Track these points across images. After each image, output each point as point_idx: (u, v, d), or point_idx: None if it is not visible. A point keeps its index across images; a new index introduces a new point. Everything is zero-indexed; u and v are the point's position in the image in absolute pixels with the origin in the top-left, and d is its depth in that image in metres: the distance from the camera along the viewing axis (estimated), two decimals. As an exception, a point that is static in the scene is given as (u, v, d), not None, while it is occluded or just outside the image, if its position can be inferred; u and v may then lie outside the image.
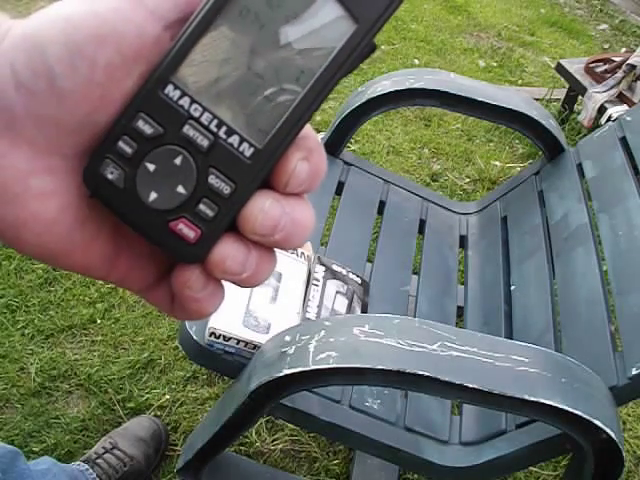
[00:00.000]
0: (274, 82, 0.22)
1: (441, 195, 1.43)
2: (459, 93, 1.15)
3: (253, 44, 0.22)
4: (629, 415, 1.40)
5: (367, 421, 0.83)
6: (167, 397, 1.26)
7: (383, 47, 2.68)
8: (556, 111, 2.35)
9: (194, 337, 0.83)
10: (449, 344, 0.70)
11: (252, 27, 0.22)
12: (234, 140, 0.22)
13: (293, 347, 0.71)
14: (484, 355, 0.70)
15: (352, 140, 2.03)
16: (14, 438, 1.16)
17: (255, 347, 0.81)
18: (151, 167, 0.22)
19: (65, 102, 0.21)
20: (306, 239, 0.24)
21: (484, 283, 1.11)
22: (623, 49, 2.85)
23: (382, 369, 0.67)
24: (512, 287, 1.05)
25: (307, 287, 0.94)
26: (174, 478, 1.14)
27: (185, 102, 0.22)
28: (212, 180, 0.23)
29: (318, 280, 0.96)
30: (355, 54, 0.22)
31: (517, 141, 2.25)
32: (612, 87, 2.12)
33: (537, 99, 2.33)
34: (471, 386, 0.67)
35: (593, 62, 2.25)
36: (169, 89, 0.22)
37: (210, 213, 0.23)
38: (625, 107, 2.05)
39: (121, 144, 0.22)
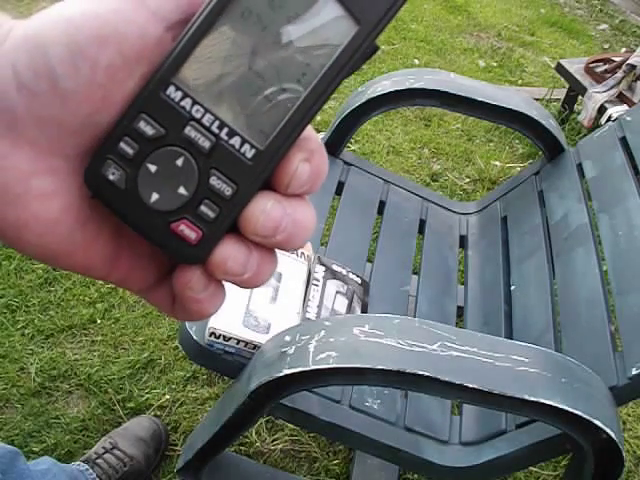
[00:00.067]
0: (276, 83, 0.22)
1: (441, 195, 1.43)
2: (459, 93, 1.15)
3: (255, 45, 0.22)
4: (629, 415, 1.40)
5: (367, 421, 0.83)
6: (167, 397, 1.26)
7: (383, 47, 2.68)
8: (556, 111, 2.35)
9: (194, 337, 0.83)
10: (449, 344, 0.70)
11: (254, 28, 0.22)
12: (236, 141, 0.22)
13: (293, 347, 0.71)
14: (484, 355, 0.70)
15: (352, 140, 2.03)
16: (14, 438, 1.16)
17: (255, 347, 0.81)
18: (152, 168, 0.22)
19: (67, 103, 0.21)
20: (307, 240, 0.24)
21: (484, 283, 1.11)
22: (623, 49, 2.85)
23: (382, 369, 0.67)
24: (512, 287, 1.05)
25: (307, 287, 0.94)
26: (174, 478, 1.14)
27: (187, 103, 0.22)
28: (213, 181, 0.23)
29: (318, 280, 0.96)
30: (357, 55, 0.22)
31: (517, 141, 2.25)
32: (612, 87, 2.12)
33: (537, 99, 2.33)
34: (471, 386, 0.67)
35: (593, 62, 2.25)
36: (171, 90, 0.22)
37: (211, 214, 0.23)
38: (625, 107, 2.05)
39: (122, 145, 0.22)
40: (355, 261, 1.07)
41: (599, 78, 2.18)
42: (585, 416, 0.66)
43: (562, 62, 2.34)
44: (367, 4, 0.22)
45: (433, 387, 0.69)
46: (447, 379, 0.67)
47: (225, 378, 1.28)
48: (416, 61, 2.68)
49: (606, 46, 3.23)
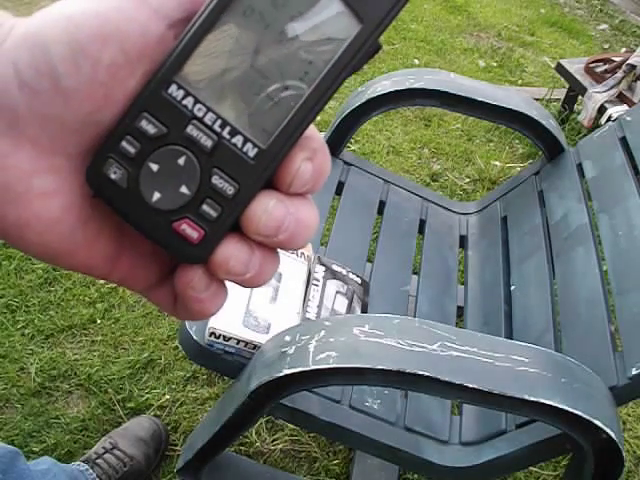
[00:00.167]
0: (278, 82, 0.22)
1: (441, 195, 1.43)
2: (459, 93, 1.15)
3: (257, 43, 0.22)
4: (629, 415, 1.40)
5: (367, 421, 0.83)
6: (167, 397, 1.26)
7: (383, 47, 2.68)
8: (556, 111, 2.35)
9: (194, 337, 0.83)
10: (449, 344, 0.70)
11: (256, 26, 0.22)
12: (238, 140, 0.22)
13: (293, 347, 0.71)
14: (484, 355, 0.70)
15: (352, 140, 2.03)
16: (14, 438, 1.16)
17: (255, 347, 0.81)
18: (154, 167, 0.22)
19: (68, 101, 0.21)
20: (310, 239, 0.24)
21: (484, 283, 1.11)
22: (623, 49, 2.85)
23: (382, 369, 0.67)
24: (512, 287, 1.05)
25: (307, 287, 0.94)
26: (174, 478, 1.14)
27: (189, 102, 0.22)
28: (216, 180, 0.22)
29: (318, 280, 0.96)
30: (360, 54, 0.22)
31: (517, 141, 2.25)
32: (612, 87, 2.12)
33: (537, 99, 2.33)
34: (471, 386, 0.67)
35: (593, 62, 2.25)
36: (173, 89, 0.22)
37: (213, 213, 0.23)
38: (625, 107, 2.05)
39: (124, 144, 0.22)
40: (355, 261, 1.06)
41: (599, 78, 2.18)
42: (585, 416, 0.66)
43: (562, 62, 2.34)
44: (370, 2, 0.22)
45: (433, 387, 0.69)
46: (447, 379, 0.67)
47: (225, 378, 1.28)
48: (416, 61, 2.68)
49: (606, 46, 3.23)
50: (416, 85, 1.14)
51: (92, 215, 0.23)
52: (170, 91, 0.22)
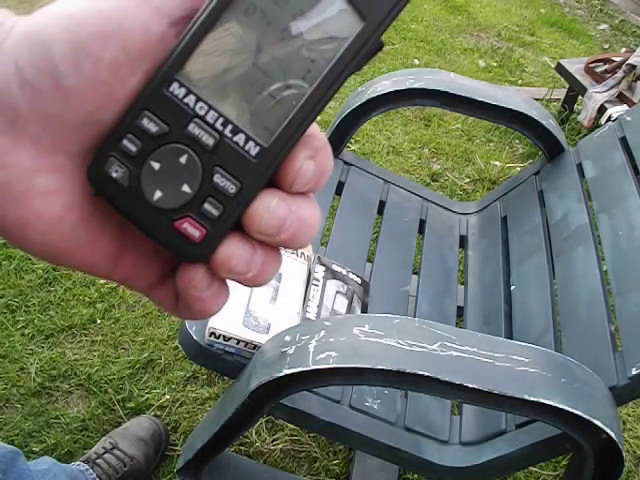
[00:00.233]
0: (281, 80, 0.22)
1: (441, 195, 1.43)
2: (459, 93, 1.15)
3: (259, 41, 0.22)
4: (629, 415, 1.40)
5: (367, 421, 0.83)
6: (167, 397, 1.26)
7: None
8: (556, 111, 2.35)
9: (194, 337, 0.83)
10: (449, 344, 0.70)
11: (258, 24, 0.22)
12: (240, 139, 0.22)
13: (293, 347, 0.71)
14: (484, 355, 0.70)
15: (352, 140, 2.03)
16: (14, 438, 1.16)
17: (255, 347, 0.81)
18: (156, 166, 0.22)
19: (70, 100, 0.21)
20: (312, 238, 0.23)
21: (484, 283, 1.11)
22: (623, 49, 2.85)
23: (382, 369, 0.67)
24: (512, 287, 1.05)
25: (307, 287, 0.94)
26: (174, 478, 1.14)
27: (190, 100, 0.22)
28: (217, 179, 0.22)
29: (318, 280, 0.96)
30: (362, 52, 0.22)
31: (517, 141, 2.25)
32: (612, 87, 2.12)
33: (537, 99, 2.33)
34: (471, 386, 0.67)
35: (593, 62, 2.25)
36: (174, 87, 0.22)
37: (215, 212, 0.23)
38: (625, 107, 2.05)
39: (126, 142, 0.22)
40: (355, 261, 1.06)
41: (599, 78, 2.18)
42: (585, 416, 0.66)
43: (562, 62, 2.34)
44: (372, 0, 0.22)
45: (433, 387, 0.69)
46: (447, 379, 0.67)
47: (225, 378, 1.28)
48: (416, 61, 2.68)
49: (606, 46, 3.23)
50: (416, 85, 1.14)
51: (94, 214, 0.23)
52: (172, 89, 0.22)
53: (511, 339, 0.95)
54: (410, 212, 1.23)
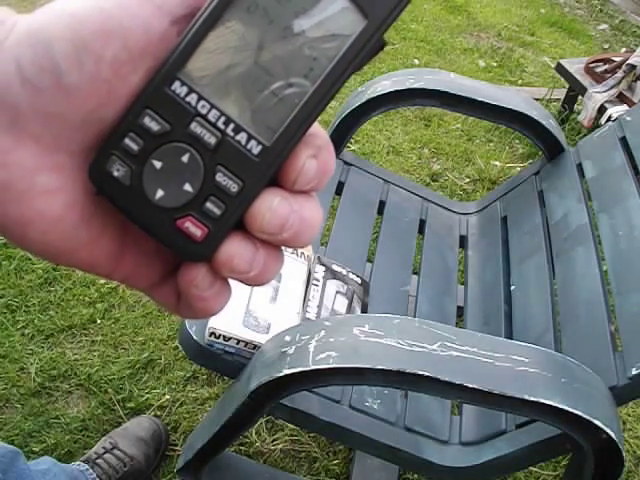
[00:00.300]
0: (283, 78, 0.22)
1: (441, 195, 1.43)
2: (459, 93, 1.15)
3: (261, 40, 0.22)
4: (629, 415, 1.40)
5: (367, 421, 0.83)
6: (167, 397, 1.26)
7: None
8: (556, 111, 2.35)
9: (194, 337, 0.83)
10: (449, 344, 0.70)
11: (260, 23, 0.21)
12: (242, 137, 0.22)
13: (293, 347, 0.71)
14: (484, 355, 0.70)
15: (352, 140, 2.03)
16: (14, 438, 1.16)
17: (255, 347, 0.81)
18: (158, 164, 0.22)
19: (71, 98, 0.21)
20: (314, 237, 0.23)
21: (484, 283, 1.11)
22: (623, 49, 2.85)
23: (382, 369, 0.67)
24: (512, 287, 1.05)
25: (307, 287, 0.94)
26: (174, 478, 1.14)
27: (192, 99, 0.22)
28: (219, 178, 0.22)
29: (318, 280, 0.96)
30: (365, 51, 0.22)
31: (517, 141, 2.25)
32: (612, 87, 2.12)
33: (537, 99, 2.33)
34: (471, 386, 0.67)
35: (593, 62, 2.25)
36: (176, 85, 0.22)
37: (217, 211, 0.22)
38: (625, 107, 2.05)
39: (127, 141, 0.22)
40: (355, 261, 1.06)
41: (599, 78, 2.18)
42: (585, 416, 0.66)
43: (562, 62, 2.34)
44: None
45: (433, 387, 0.69)
46: (447, 379, 0.67)
47: (225, 378, 1.28)
48: (416, 61, 2.68)
49: (606, 46, 3.23)
50: (416, 85, 1.14)
51: (95, 213, 0.23)
52: (173, 88, 0.22)
53: (511, 339, 0.95)
54: (410, 212, 1.23)
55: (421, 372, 0.67)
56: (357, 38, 0.22)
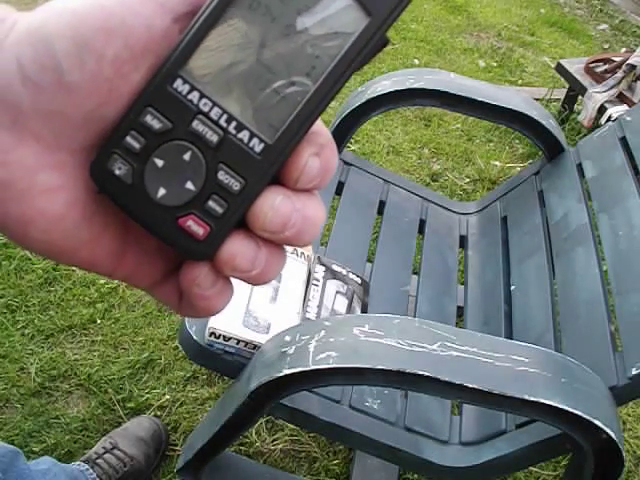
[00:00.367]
0: (285, 76, 0.22)
1: (441, 195, 1.43)
2: (459, 93, 1.15)
3: (264, 37, 0.21)
4: (629, 415, 1.40)
5: (367, 421, 0.83)
6: (167, 397, 1.26)
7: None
8: (556, 111, 2.35)
9: (194, 337, 0.83)
10: (449, 344, 0.70)
11: (263, 20, 0.21)
12: (244, 135, 0.22)
13: (293, 347, 0.71)
14: (484, 355, 0.70)
15: (352, 140, 2.03)
16: (14, 438, 1.16)
17: (255, 347, 0.81)
18: (159, 163, 0.22)
19: (72, 96, 0.21)
20: (317, 236, 0.23)
21: (484, 283, 1.11)
22: (623, 49, 2.85)
23: (382, 369, 0.67)
24: (512, 287, 1.05)
25: (307, 287, 0.94)
26: (174, 478, 1.14)
27: (194, 96, 0.22)
28: (221, 176, 0.22)
29: (318, 280, 0.96)
30: (367, 48, 0.22)
31: (517, 141, 2.25)
32: (612, 87, 2.12)
33: (537, 99, 2.33)
34: (471, 386, 0.67)
35: (593, 62, 2.25)
36: (178, 83, 0.22)
37: (219, 210, 0.22)
38: (625, 107, 2.06)
39: (129, 139, 0.22)
40: (355, 261, 1.06)
41: (599, 78, 2.18)
42: (585, 416, 0.66)
43: (562, 62, 2.34)
44: None
45: (433, 387, 0.69)
46: (447, 379, 0.67)
47: (225, 378, 1.28)
48: (416, 61, 2.68)
49: (606, 46, 3.23)
50: (416, 85, 1.14)
51: (96, 211, 0.23)
52: (175, 86, 0.22)
53: (511, 339, 0.95)
54: (410, 212, 1.23)
55: (421, 372, 0.67)
56: (360, 35, 0.22)
